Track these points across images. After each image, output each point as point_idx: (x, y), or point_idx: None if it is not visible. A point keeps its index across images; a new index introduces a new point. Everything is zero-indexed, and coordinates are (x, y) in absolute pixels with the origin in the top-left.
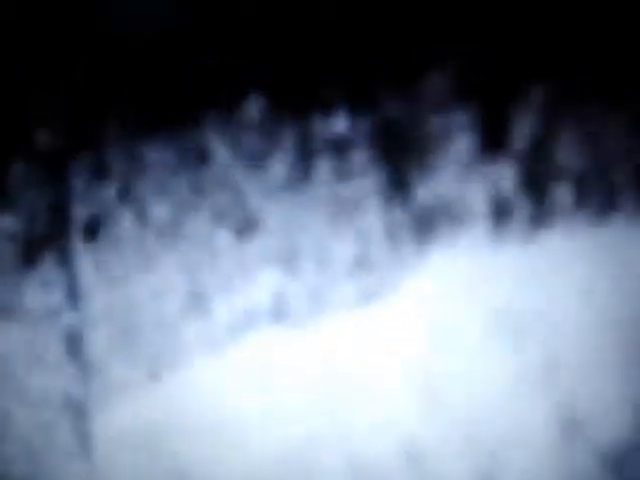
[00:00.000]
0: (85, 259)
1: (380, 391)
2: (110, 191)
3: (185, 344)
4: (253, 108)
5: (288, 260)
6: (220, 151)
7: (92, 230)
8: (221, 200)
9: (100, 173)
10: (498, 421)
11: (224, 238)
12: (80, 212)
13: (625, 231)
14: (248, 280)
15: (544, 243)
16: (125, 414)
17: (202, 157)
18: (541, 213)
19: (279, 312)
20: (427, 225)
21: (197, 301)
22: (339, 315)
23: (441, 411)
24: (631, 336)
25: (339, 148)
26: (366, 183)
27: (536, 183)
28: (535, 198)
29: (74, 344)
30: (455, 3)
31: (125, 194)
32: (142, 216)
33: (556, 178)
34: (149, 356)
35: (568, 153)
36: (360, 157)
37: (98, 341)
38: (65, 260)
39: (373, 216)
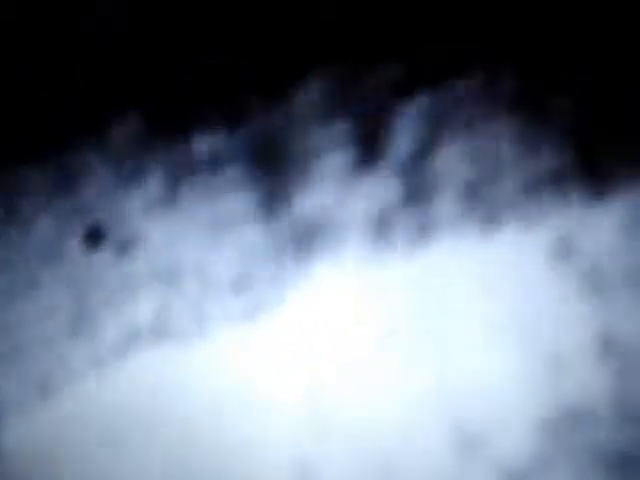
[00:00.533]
0: None
1: (267, 409)
2: None
3: (72, 362)
4: (130, 126)
5: (170, 277)
6: (98, 171)
7: None
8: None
9: None
10: (389, 440)
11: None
12: None
13: (511, 246)
14: (131, 297)
15: (429, 256)
16: (17, 431)
17: (80, 178)
18: (425, 226)
19: (162, 329)
20: (308, 240)
21: (81, 319)
22: (223, 331)
23: (330, 430)
24: (525, 351)
25: (216, 164)
26: (245, 198)
27: (419, 195)
28: (419, 210)
29: None
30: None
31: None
32: (25, 235)
33: (440, 190)
34: (37, 374)
35: (452, 164)
36: (237, 172)
37: None
38: None
39: (253, 231)
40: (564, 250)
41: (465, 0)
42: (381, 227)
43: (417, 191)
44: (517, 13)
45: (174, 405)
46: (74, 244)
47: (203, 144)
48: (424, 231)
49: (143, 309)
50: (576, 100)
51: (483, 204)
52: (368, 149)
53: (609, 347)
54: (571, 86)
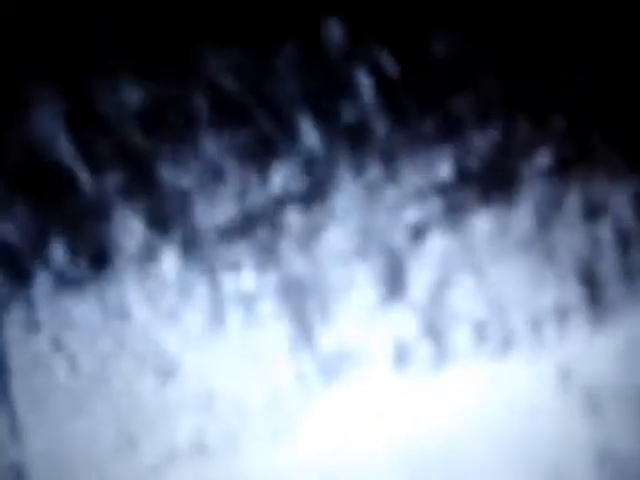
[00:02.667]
0: (24, 402)
1: None
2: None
3: (117, 478)
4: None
5: (206, 403)
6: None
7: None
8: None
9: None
10: None
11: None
12: (16, 360)
13: (522, 368)
14: (170, 419)
15: (445, 382)
16: None
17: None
18: (441, 355)
19: (198, 450)
20: (332, 368)
21: (124, 441)
22: (254, 452)
23: None
24: (529, 465)
25: (248, 301)
26: (274, 332)
27: (435, 328)
28: (435, 341)
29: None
30: None
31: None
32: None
33: (455, 323)
34: None
35: (465, 300)
36: (267, 309)
37: (39, 476)
38: (6, 402)
39: (282, 361)
40: (567, 375)
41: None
42: (400, 357)
43: (433, 325)
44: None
45: None
46: (119, 372)
47: (236, 283)
48: (440, 361)
49: (181, 431)
50: (579, 238)
51: (493, 337)
52: (387, 288)
53: (606, 460)
54: (572, 224)
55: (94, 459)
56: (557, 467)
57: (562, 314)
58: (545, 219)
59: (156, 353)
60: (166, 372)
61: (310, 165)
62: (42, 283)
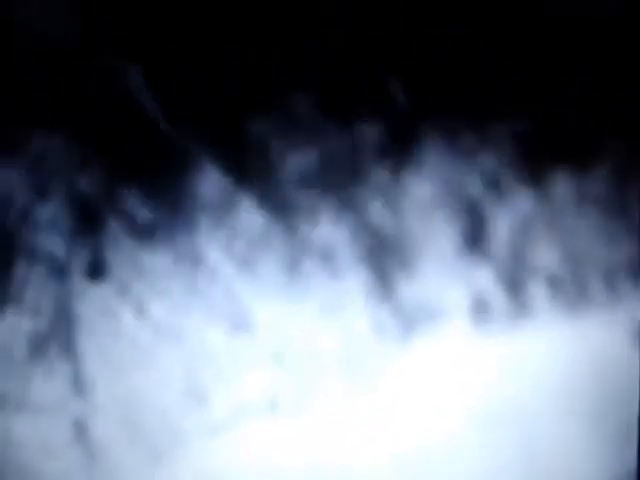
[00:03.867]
0: (89, 352)
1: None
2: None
3: (184, 432)
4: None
5: (278, 356)
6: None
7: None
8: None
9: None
10: None
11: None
12: (82, 308)
13: (597, 322)
14: (242, 373)
15: (522, 335)
16: None
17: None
18: (518, 308)
19: (271, 403)
20: (411, 321)
21: (194, 393)
22: (327, 409)
23: None
24: (608, 427)
25: (325, 251)
26: (351, 284)
27: (512, 281)
28: (512, 294)
29: (80, 432)
30: None
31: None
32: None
33: (531, 276)
34: (150, 442)
35: (542, 255)
36: (345, 260)
37: (102, 428)
38: (71, 353)
39: (359, 312)
40: None
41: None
42: (477, 310)
43: (512, 278)
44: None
45: (280, 476)
46: (190, 323)
47: (314, 233)
48: (517, 312)
49: (252, 385)
50: None
51: (569, 290)
52: (467, 241)
53: None
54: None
55: (161, 412)
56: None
57: (637, 268)
58: (620, 176)
59: (229, 303)
60: (238, 323)
61: (393, 119)
62: (114, 231)
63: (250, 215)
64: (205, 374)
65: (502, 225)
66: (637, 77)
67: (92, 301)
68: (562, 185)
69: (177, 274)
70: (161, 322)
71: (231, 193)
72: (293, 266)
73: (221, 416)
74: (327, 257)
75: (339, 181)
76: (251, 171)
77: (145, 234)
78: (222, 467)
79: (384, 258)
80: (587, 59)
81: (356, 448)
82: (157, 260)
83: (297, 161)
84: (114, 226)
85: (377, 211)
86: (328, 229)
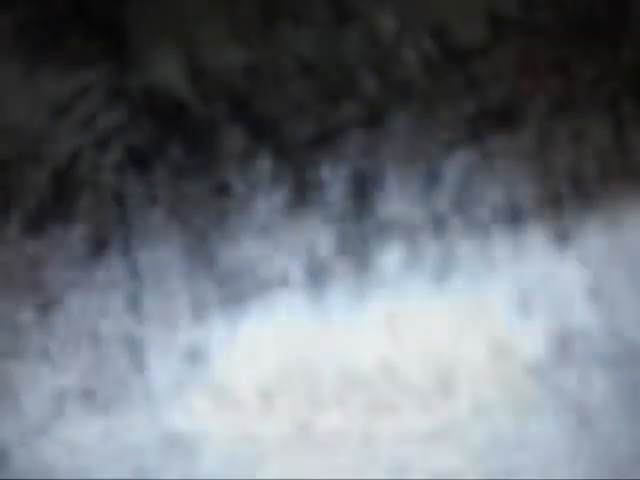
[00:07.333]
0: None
1: None
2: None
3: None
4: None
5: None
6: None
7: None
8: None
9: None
10: None
11: None
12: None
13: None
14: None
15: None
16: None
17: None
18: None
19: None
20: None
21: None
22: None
23: None
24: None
25: (325, 188)
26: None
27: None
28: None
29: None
30: None
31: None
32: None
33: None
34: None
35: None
36: (337, 196)
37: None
38: (127, 271)
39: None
40: None
41: None
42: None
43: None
44: None
45: None
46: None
47: (316, 176)
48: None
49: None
50: None
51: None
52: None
53: None
54: None
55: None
56: None
57: None
58: None
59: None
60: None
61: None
62: (162, 172)
63: (265, 163)
64: None
65: (452, 174)
66: None
67: (147, 224)
68: (500, 145)
69: (211, 201)
70: (204, 238)
71: (251, 148)
72: (296, 201)
73: None
74: (324, 195)
75: (332, 143)
76: (265, 137)
77: (187, 174)
78: None
79: (365, 194)
80: None
81: None
82: (197, 191)
83: (301, 131)
84: (164, 170)
85: (361, 161)
86: (325, 173)
